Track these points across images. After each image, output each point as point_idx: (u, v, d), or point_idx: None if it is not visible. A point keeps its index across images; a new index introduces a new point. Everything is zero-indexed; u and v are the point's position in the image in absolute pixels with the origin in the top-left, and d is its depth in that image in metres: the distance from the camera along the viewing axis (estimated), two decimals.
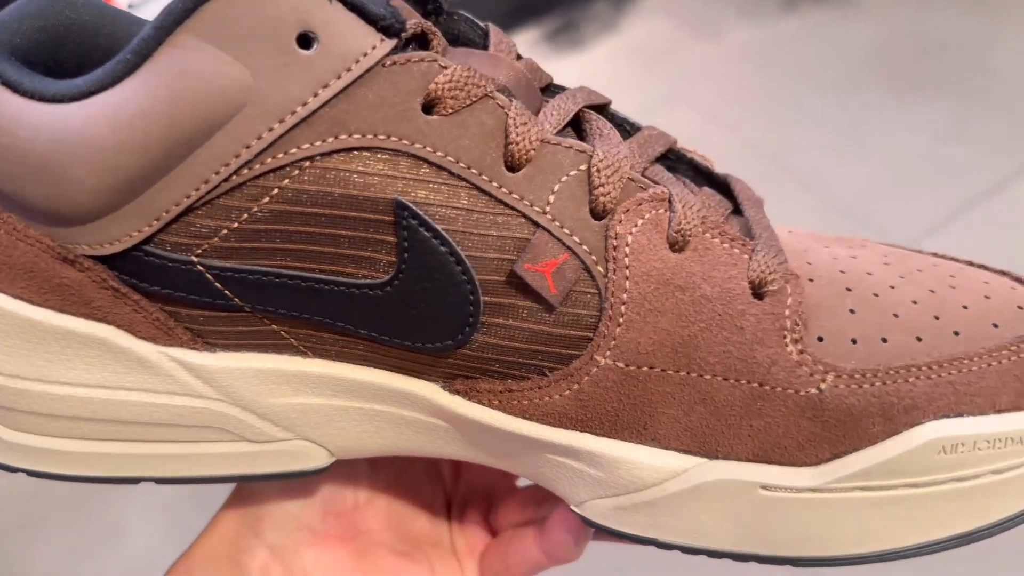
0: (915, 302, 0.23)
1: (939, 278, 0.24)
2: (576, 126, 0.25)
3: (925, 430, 0.21)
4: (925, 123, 1.20)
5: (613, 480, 0.23)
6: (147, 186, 0.20)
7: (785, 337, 0.22)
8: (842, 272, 0.24)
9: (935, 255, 0.28)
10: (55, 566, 0.90)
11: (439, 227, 0.21)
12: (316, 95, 0.20)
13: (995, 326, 0.22)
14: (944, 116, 1.20)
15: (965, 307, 0.23)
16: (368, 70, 0.20)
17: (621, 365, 0.22)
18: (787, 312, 0.22)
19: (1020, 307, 0.23)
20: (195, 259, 0.22)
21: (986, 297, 0.23)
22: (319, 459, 0.26)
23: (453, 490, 0.33)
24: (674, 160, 0.27)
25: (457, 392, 0.24)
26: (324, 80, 0.20)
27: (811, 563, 0.23)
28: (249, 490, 0.29)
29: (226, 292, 0.22)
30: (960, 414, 0.21)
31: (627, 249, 0.22)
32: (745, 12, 1.44)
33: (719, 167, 0.27)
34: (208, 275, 0.22)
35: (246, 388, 0.25)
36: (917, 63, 1.29)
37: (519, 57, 0.25)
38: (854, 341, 0.22)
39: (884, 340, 0.22)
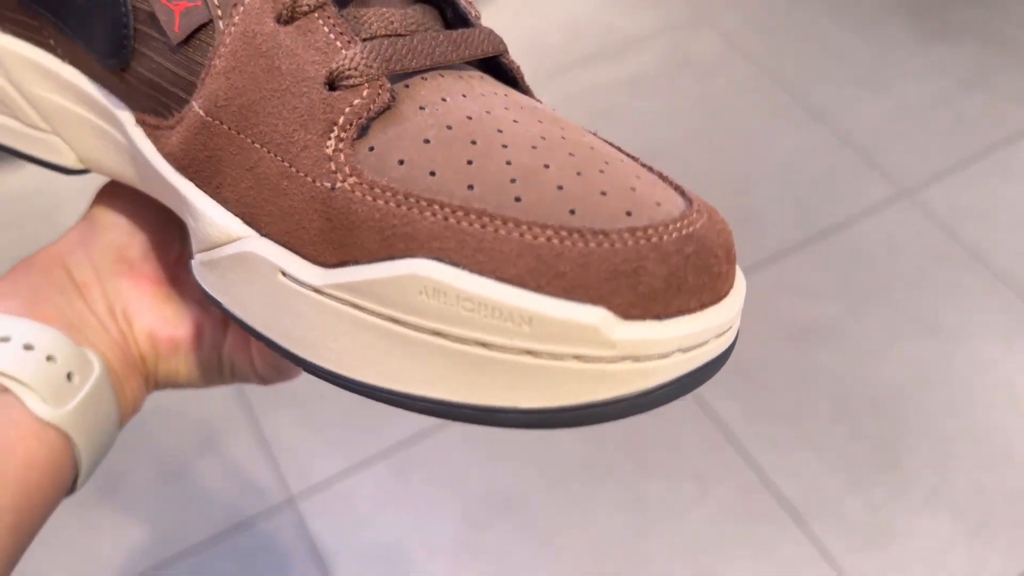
0: (509, 163, 0.21)
1: (587, 163, 0.21)
2: None
3: (411, 263, 0.20)
4: (948, 68, 1.19)
5: (200, 233, 0.24)
6: None
7: (332, 131, 0.21)
8: (468, 118, 0.22)
9: (642, 166, 0.24)
10: None
11: None
12: None
13: (572, 212, 0.19)
14: (968, 62, 1.19)
15: (560, 187, 0.20)
16: None
17: (202, 113, 0.23)
18: (347, 109, 0.21)
19: (629, 213, 0.20)
20: None
21: (602, 193, 0.20)
22: (69, 159, 0.30)
23: None
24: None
25: (137, 123, 0.26)
26: None
27: (322, 374, 0.22)
28: (93, 218, 0.33)
29: None
30: (455, 264, 0.19)
31: (241, 9, 0.23)
32: None
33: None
34: None
35: (18, 71, 0.28)
36: (947, 7, 1.27)
37: None
38: (401, 162, 0.21)
39: (432, 174, 0.20)
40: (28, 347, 0.27)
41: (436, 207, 0.20)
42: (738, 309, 0.21)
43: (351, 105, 0.21)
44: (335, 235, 0.21)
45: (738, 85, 1.18)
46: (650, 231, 0.19)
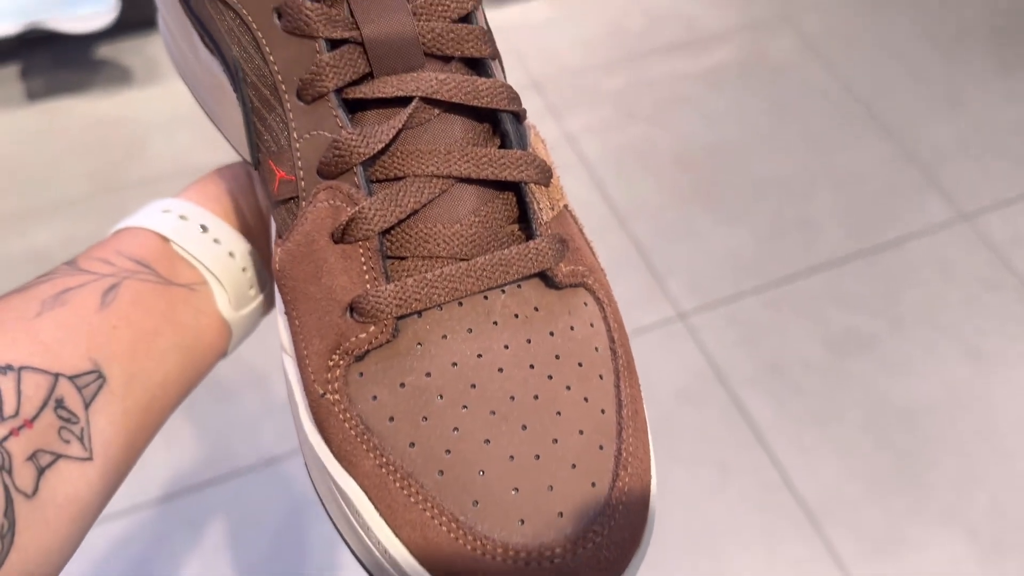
0: (456, 430, 0.23)
1: (531, 441, 0.23)
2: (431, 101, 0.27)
3: (351, 484, 0.24)
4: None
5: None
6: None
7: (337, 349, 0.25)
8: (453, 364, 0.24)
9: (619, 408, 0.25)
10: None
11: (248, 91, 0.27)
12: None
13: (475, 504, 0.22)
14: None
15: (481, 472, 0.23)
16: None
17: (277, 267, 0.27)
18: (352, 339, 0.24)
19: (521, 521, 0.22)
20: None
21: (515, 490, 0.22)
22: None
23: None
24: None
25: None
26: None
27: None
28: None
29: None
30: (375, 504, 0.23)
31: (312, 208, 0.26)
32: None
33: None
34: None
35: None
36: None
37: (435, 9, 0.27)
38: (374, 398, 0.24)
39: (391, 419, 0.24)
40: (231, 255, 0.32)
41: (378, 453, 0.23)
42: None
43: (357, 336, 0.24)
44: (316, 420, 0.25)
45: (811, 90, 1.18)
46: (521, 554, 0.22)
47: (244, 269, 0.32)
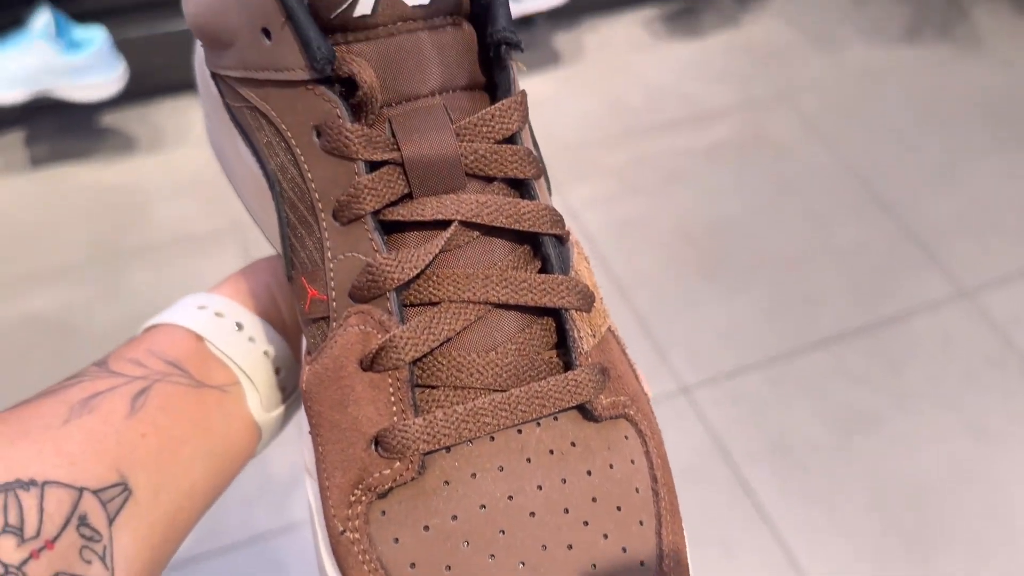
0: (492, 558, 0.23)
1: (563, 554, 0.22)
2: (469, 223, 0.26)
3: None
4: (1023, 174, 1.19)
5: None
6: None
7: (360, 484, 0.23)
8: (481, 507, 0.23)
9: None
10: None
11: (284, 205, 0.27)
12: (259, 73, 0.26)
13: None
14: None
15: None
16: (290, 82, 0.26)
17: (303, 387, 0.26)
18: (376, 475, 0.23)
19: None
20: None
21: None
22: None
23: None
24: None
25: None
26: (268, 66, 0.26)
27: None
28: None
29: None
30: None
31: (342, 331, 0.25)
32: (867, 32, 1.44)
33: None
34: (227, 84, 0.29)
35: None
36: None
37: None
38: (396, 540, 0.23)
39: (412, 566, 0.23)
40: (266, 354, 0.31)
41: None
42: None
43: (381, 472, 0.23)
44: (335, 558, 0.24)
45: (810, 167, 1.20)
46: None
47: (278, 370, 0.31)
